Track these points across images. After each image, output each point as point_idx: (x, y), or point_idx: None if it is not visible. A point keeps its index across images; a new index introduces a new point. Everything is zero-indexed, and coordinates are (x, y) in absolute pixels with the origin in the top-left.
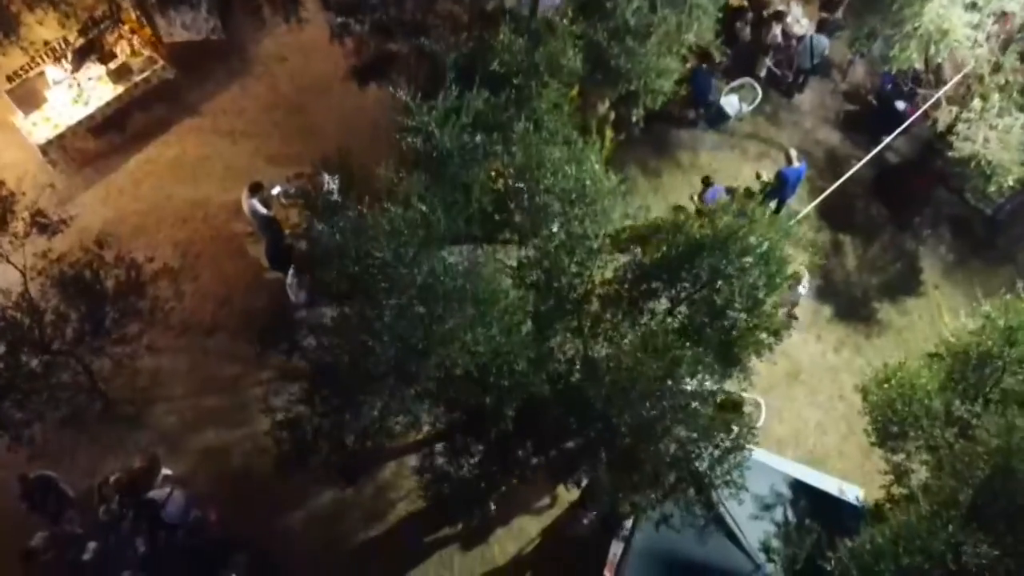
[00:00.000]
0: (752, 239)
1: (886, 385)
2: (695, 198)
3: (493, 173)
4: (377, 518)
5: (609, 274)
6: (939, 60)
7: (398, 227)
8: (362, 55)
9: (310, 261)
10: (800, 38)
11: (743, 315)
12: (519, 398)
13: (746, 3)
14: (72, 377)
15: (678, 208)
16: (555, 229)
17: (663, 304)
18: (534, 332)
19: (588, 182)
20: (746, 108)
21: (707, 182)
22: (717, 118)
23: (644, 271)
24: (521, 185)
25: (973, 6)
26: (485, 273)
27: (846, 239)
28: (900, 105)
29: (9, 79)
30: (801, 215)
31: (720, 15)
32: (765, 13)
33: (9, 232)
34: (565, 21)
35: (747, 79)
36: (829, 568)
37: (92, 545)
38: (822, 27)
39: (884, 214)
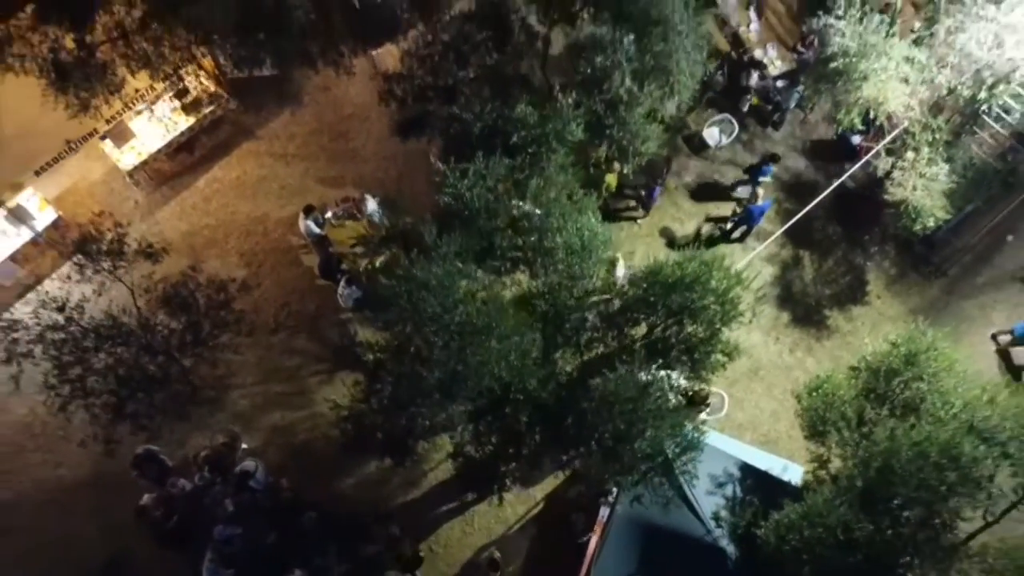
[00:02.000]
0: (712, 283)
1: (815, 393)
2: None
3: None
4: (414, 485)
5: (601, 307)
6: (878, 122)
7: (442, 283)
8: (404, 112)
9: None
10: (776, 78)
11: (702, 340)
12: (530, 407)
13: (730, 48)
14: (170, 371)
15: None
16: (559, 269)
17: (643, 329)
18: (542, 355)
19: (586, 233)
20: (725, 140)
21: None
22: (700, 147)
23: (627, 304)
24: (533, 238)
25: (905, 81)
26: (506, 312)
27: (805, 254)
28: (855, 139)
29: (107, 121)
30: (770, 240)
31: (698, 86)
32: (745, 58)
33: (125, 258)
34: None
35: (726, 115)
36: (759, 535)
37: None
38: (799, 70)
39: (839, 232)
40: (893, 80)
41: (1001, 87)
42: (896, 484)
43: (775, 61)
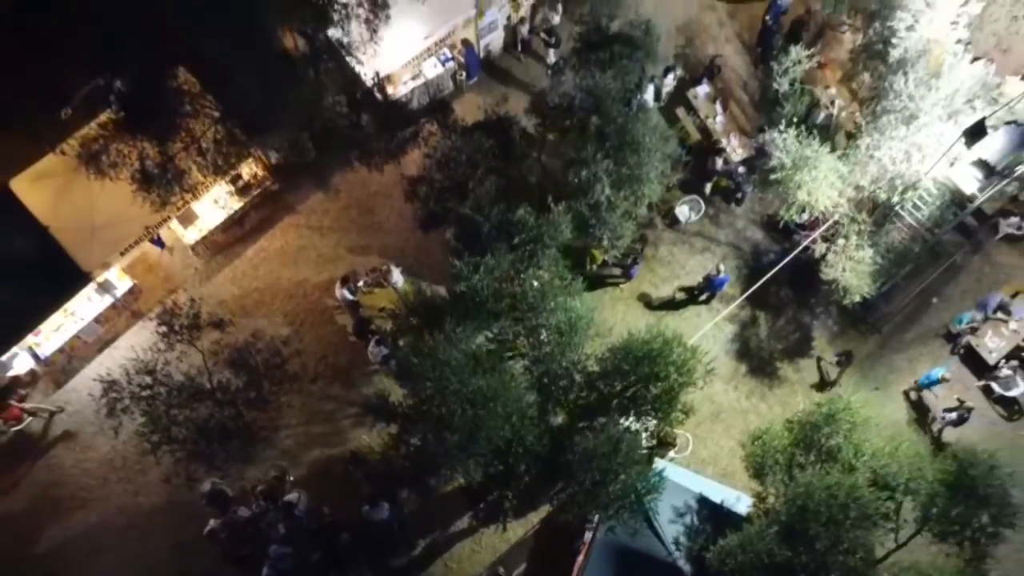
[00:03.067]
0: (673, 356)
1: (757, 441)
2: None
3: (512, 305)
4: (431, 512)
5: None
6: (814, 215)
7: (460, 363)
8: (424, 208)
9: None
10: (738, 164)
11: (665, 401)
12: (528, 458)
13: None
14: (237, 421)
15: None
16: (551, 342)
17: (618, 388)
18: (538, 415)
19: (573, 315)
20: (694, 217)
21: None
22: (673, 222)
23: (605, 371)
24: (531, 317)
25: (834, 185)
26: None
27: (761, 314)
28: (803, 216)
29: (178, 208)
30: (732, 305)
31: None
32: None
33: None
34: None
35: (694, 196)
36: (708, 558)
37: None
38: (757, 156)
39: (790, 296)
40: (823, 186)
41: (910, 193)
42: (810, 520)
43: (736, 149)
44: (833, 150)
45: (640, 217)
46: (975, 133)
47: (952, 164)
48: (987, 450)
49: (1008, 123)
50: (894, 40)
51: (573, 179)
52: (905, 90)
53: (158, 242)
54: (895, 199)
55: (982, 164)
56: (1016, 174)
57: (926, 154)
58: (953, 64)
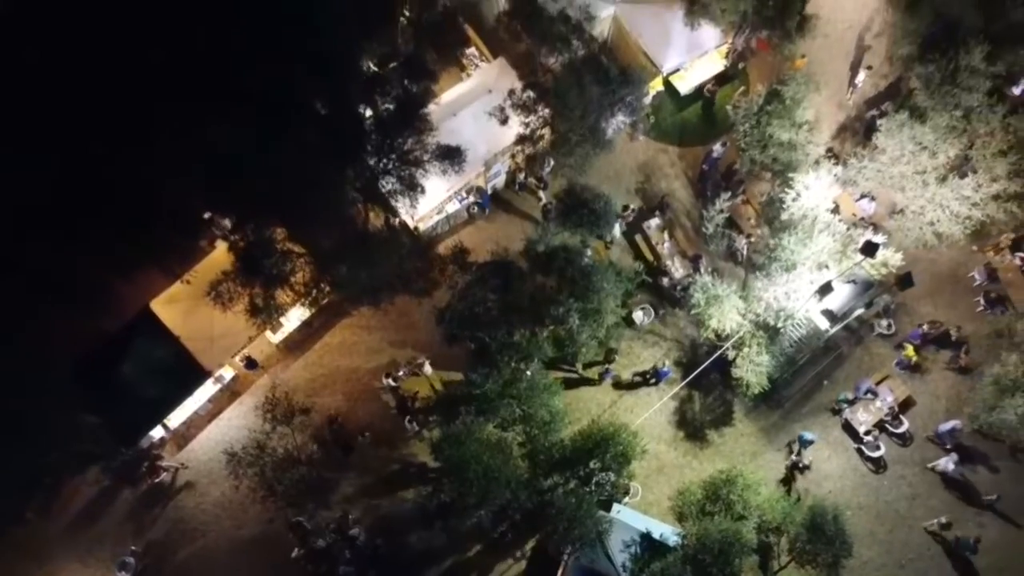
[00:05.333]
0: (620, 439)
1: (680, 495)
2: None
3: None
4: (454, 543)
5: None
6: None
7: (478, 451)
8: (449, 329)
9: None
10: (680, 280)
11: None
12: (521, 511)
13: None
14: (320, 478)
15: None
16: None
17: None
18: (529, 478)
19: (553, 409)
20: (647, 320)
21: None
22: (630, 323)
23: (575, 448)
24: (524, 407)
25: (735, 314)
26: (508, 462)
27: (696, 393)
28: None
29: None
30: (677, 388)
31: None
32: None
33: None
34: (543, 332)
35: (647, 304)
36: None
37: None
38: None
39: (718, 379)
40: (728, 315)
41: (788, 320)
42: (706, 552)
43: (678, 269)
44: (746, 273)
45: (609, 326)
46: (824, 290)
47: (819, 300)
48: (835, 503)
49: (848, 281)
50: (783, 207)
51: (555, 312)
52: (788, 246)
53: (251, 365)
54: (779, 324)
55: (828, 312)
56: (853, 316)
57: (800, 295)
58: (822, 229)
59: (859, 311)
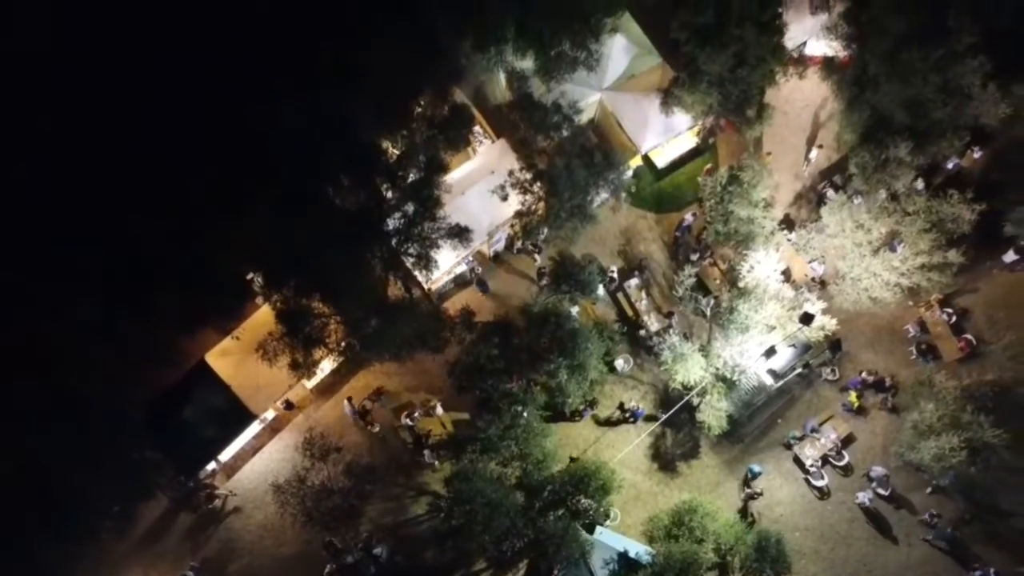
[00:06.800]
0: (600, 475)
1: (650, 521)
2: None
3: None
4: (459, 563)
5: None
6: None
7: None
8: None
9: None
10: (655, 333)
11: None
12: (518, 536)
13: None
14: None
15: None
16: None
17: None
18: (524, 507)
19: (545, 449)
20: (627, 367)
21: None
22: (612, 370)
23: (563, 482)
24: (521, 446)
25: (697, 370)
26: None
27: (668, 431)
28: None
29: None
30: (655, 426)
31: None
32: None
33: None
34: (537, 387)
35: (626, 353)
36: None
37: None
38: (667, 329)
39: (688, 418)
40: (692, 370)
41: (743, 375)
42: (671, 571)
43: (654, 324)
44: (711, 329)
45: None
46: (769, 352)
47: (765, 360)
48: (782, 528)
49: (790, 345)
50: (740, 276)
51: (545, 368)
52: (743, 311)
53: (289, 406)
54: (735, 378)
55: (771, 372)
56: (793, 374)
57: (751, 354)
58: (772, 297)
59: (798, 370)
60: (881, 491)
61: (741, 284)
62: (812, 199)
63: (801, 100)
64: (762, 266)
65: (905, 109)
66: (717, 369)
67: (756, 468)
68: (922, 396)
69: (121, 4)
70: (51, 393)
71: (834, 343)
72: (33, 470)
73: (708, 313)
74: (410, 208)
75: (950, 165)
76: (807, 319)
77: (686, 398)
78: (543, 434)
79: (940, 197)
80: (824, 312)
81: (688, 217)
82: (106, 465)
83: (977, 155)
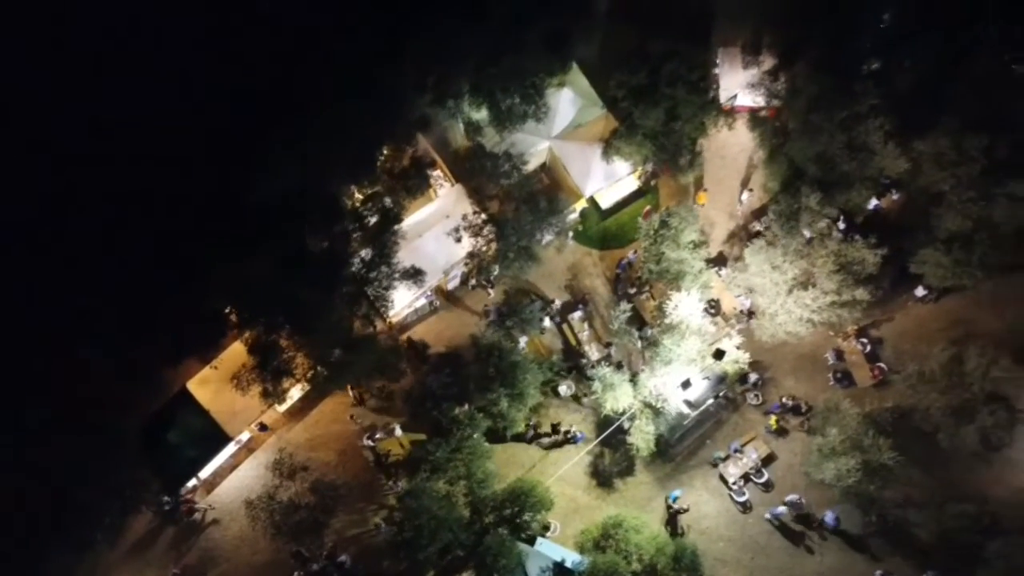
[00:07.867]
0: (536, 492)
1: (583, 533)
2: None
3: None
4: (412, 572)
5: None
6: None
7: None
8: (416, 409)
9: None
10: (595, 362)
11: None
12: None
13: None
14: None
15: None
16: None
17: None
18: (469, 522)
19: (486, 470)
20: (569, 392)
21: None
22: (556, 395)
23: (503, 499)
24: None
25: (627, 398)
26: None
27: (605, 450)
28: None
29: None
30: (592, 445)
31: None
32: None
33: (294, 474)
34: (480, 414)
35: (570, 379)
36: None
37: None
38: (606, 358)
39: (623, 438)
40: (622, 398)
41: (666, 403)
42: None
43: (594, 353)
44: (643, 359)
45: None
46: (685, 385)
47: (683, 391)
48: (702, 540)
49: (705, 378)
50: (667, 312)
51: (492, 398)
52: (667, 345)
53: (263, 428)
54: (659, 406)
55: (687, 402)
56: (705, 405)
57: (672, 385)
58: (693, 333)
59: (711, 400)
60: (796, 512)
61: (667, 320)
62: (743, 237)
63: (737, 145)
64: (684, 304)
65: (815, 163)
66: (644, 397)
67: (676, 493)
68: (829, 421)
69: None
70: (61, 419)
71: (744, 376)
72: (42, 486)
73: (640, 345)
74: (368, 254)
75: (871, 206)
76: (719, 355)
77: (617, 422)
78: (486, 456)
79: (848, 241)
80: (739, 347)
81: (631, 255)
82: (104, 481)
83: (896, 197)
